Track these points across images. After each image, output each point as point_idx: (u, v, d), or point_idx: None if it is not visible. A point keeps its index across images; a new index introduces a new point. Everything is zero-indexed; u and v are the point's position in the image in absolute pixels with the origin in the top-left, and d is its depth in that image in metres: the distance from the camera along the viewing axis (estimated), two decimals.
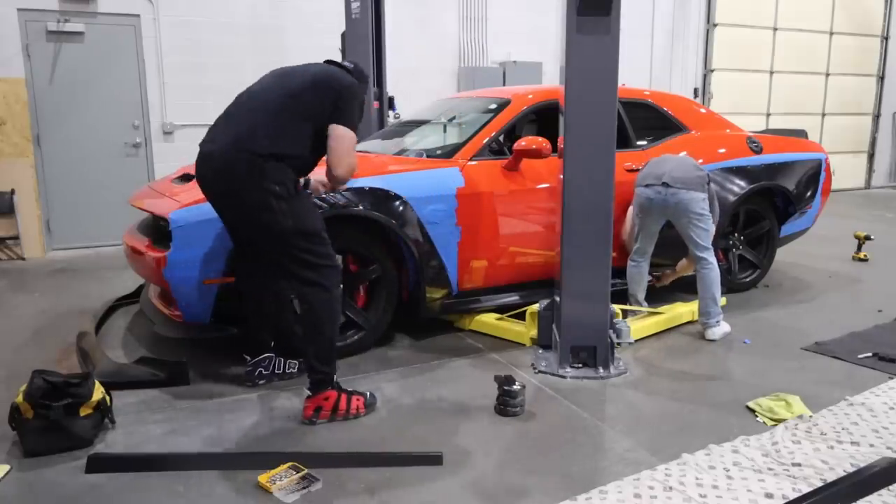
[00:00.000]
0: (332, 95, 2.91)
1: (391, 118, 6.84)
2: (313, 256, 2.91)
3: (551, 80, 8.71)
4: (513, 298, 4.17)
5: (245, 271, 3.26)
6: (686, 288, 4.78)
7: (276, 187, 2.82)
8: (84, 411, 2.71)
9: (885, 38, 12.27)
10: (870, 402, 3.12)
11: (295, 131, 2.89)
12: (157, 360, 3.52)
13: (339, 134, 2.90)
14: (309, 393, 2.99)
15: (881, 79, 12.38)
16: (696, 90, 10.58)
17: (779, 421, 2.94)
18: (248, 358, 3.34)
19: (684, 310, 4.34)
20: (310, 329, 2.98)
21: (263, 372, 3.32)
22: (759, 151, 5.09)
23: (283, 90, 2.94)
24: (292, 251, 2.89)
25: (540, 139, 3.93)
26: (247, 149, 2.83)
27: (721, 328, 4.06)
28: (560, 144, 3.48)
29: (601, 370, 3.50)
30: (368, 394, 3.09)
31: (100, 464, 2.55)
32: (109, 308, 4.59)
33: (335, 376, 3.02)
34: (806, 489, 2.38)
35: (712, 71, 10.71)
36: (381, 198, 3.66)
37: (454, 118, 4.77)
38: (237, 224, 3.06)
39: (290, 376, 3.38)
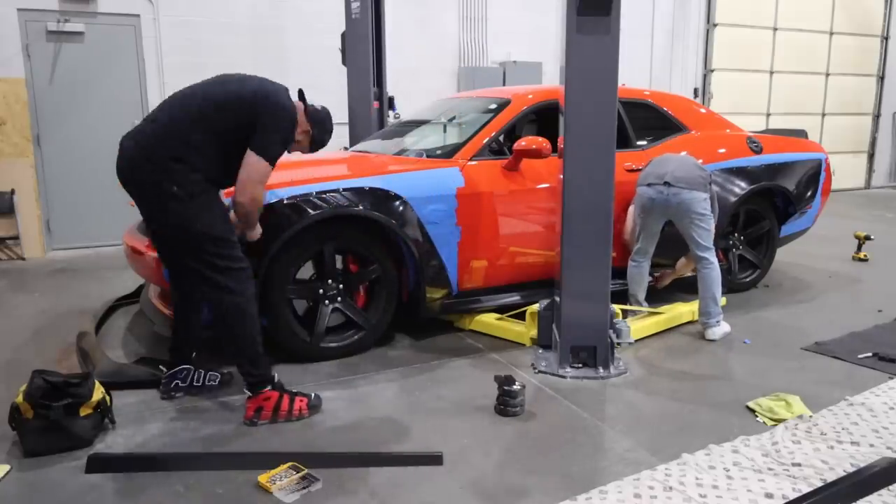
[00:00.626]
0: (257, 111, 2.83)
1: (391, 118, 6.84)
2: (220, 259, 2.85)
3: (551, 80, 8.71)
4: (513, 298, 4.17)
5: (175, 272, 3.17)
6: (686, 288, 4.78)
7: (175, 188, 2.75)
8: (84, 411, 2.70)
9: (885, 38, 12.27)
10: (870, 402, 3.12)
11: (208, 142, 2.81)
12: (156, 360, 3.51)
13: (251, 163, 2.82)
14: (249, 394, 2.97)
15: (881, 79, 12.38)
16: (696, 90, 10.58)
17: (779, 421, 2.94)
18: (164, 370, 3.26)
19: (684, 310, 4.34)
20: (226, 333, 2.96)
21: (180, 384, 3.20)
22: (759, 151, 5.08)
23: (211, 98, 2.86)
24: (199, 254, 2.83)
25: (540, 139, 3.93)
26: (153, 148, 2.78)
27: (721, 328, 4.06)
28: (560, 144, 3.48)
29: (601, 370, 3.49)
30: (313, 395, 3.06)
31: (100, 464, 2.55)
32: (109, 308, 4.60)
33: (275, 376, 2.99)
34: (806, 489, 2.38)
35: (712, 71, 10.71)
36: (381, 198, 3.66)
37: (454, 118, 4.77)
38: (152, 223, 2.98)
39: (210, 388, 3.25)
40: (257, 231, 3.11)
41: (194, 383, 3.22)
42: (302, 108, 3.05)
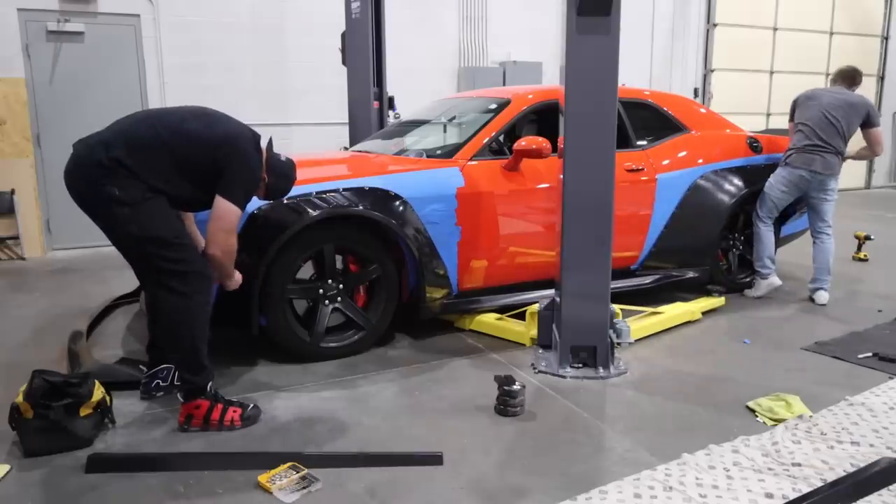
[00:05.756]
0: (224, 153, 2.78)
1: (391, 118, 6.84)
2: (170, 263, 2.77)
3: (551, 80, 8.71)
4: (513, 298, 4.17)
5: (140, 275, 3.16)
6: (686, 288, 4.78)
7: (117, 191, 2.69)
8: (84, 411, 2.71)
9: (885, 38, 12.28)
10: (870, 402, 3.12)
11: (162, 160, 2.76)
12: (137, 361, 3.49)
13: (221, 210, 2.76)
14: (181, 399, 2.91)
15: (881, 79, 12.38)
16: (696, 90, 10.58)
17: (779, 421, 2.94)
18: (145, 369, 3.24)
19: (684, 310, 4.34)
20: (168, 336, 2.92)
21: (161, 384, 3.18)
22: (759, 151, 5.09)
23: (180, 128, 2.81)
24: (148, 258, 2.79)
25: (540, 139, 3.92)
26: (100, 153, 2.74)
27: (826, 294, 4.74)
28: (560, 144, 3.48)
29: (601, 370, 3.49)
30: (251, 405, 2.97)
31: (100, 464, 2.55)
32: (108, 307, 4.60)
33: (210, 385, 2.90)
34: (806, 489, 2.38)
35: (712, 71, 10.71)
36: (381, 198, 3.66)
37: (454, 118, 4.77)
38: (101, 227, 2.90)
39: None
40: (236, 279, 3.04)
41: (175, 382, 3.16)
42: (264, 156, 2.97)
